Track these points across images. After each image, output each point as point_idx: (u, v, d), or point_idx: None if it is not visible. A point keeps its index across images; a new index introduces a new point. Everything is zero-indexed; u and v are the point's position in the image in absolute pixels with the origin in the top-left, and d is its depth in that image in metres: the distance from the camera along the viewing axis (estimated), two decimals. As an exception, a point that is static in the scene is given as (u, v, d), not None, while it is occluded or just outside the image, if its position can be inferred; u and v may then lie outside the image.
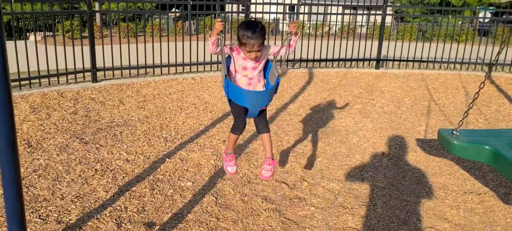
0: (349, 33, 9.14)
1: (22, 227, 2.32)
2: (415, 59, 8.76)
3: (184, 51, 7.31)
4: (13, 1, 5.38)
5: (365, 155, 4.56)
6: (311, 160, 4.38)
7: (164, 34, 13.43)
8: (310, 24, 9.55)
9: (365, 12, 9.58)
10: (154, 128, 4.96)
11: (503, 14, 16.99)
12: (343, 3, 8.70)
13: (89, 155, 4.12)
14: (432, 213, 3.45)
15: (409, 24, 11.24)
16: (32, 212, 3.09)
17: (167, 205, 3.36)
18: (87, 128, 4.80)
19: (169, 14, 10.32)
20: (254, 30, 2.72)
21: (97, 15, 15.90)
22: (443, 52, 8.64)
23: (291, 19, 3.25)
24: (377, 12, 9.39)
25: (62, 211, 3.14)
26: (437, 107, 6.47)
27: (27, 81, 5.95)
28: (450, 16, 9.22)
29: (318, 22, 10.79)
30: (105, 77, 6.77)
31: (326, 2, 8.87)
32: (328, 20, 9.11)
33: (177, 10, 16.73)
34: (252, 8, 8.11)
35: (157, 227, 3.06)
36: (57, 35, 11.58)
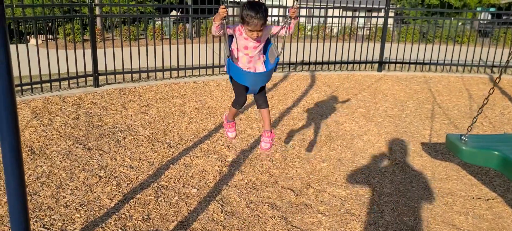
0: (351, 35, 9.10)
1: (27, 238, 2.28)
2: (418, 61, 8.73)
3: (186, 54, 7.27)
4: (14, 6, 5.35)
5: (370, 160, 4.53)
6: (317, 165, 4.34)
7: (165, 37, 13.39)
8: (312, 26, 9.51)
9: (365, 14, 9.56)
10: (157, 133, 4.92)
11: (502, 16, 16.98)
12: (343, 5, 8.68)
13: (93, 161, 4.09)
14: (441, 220, 3.41)
15: (410, 26, 11.24)
16: (36, 221, 3.05)
17: (172, 213, 3.32)
18: (90, 134, 4.76)
19: (170, 15, 10.32)
20: (257, 10, 2.86)
21: (98, 18, 15.87)
22: (446, 54, 8.61)
23: (293, 4, 3.31)
24: (378, 15, 9.37)
25: (67, 220, 3.10)
26: (441, 110, 6.43)
27: (29, 86, 5.91)
28: (452, 19, 9.19)
29: (318, 25, 10.75)
30: (106, 81, 6.73)
31: (327, 4, 8.84)
32: (331, 22, 9.08)
33: (176, 12, 16.71)
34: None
35: (163, 236, 3.02)
36: (57, 38, 11.55)
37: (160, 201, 3.47)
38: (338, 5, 8.63)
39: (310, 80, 7.80)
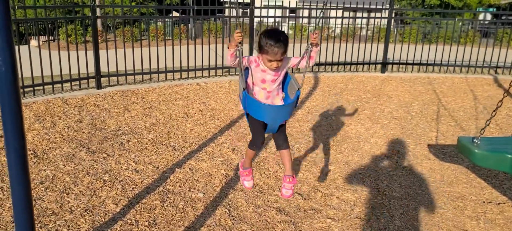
0: (354, 36, 9.04)
1: (33, 245, 2.22)
2: (421, 62, 8.67)
3: (189, 55, 7.21)
4: (16, 8, 5.29)
5: (378, 163, 4.47)
6: (324, 169, 4.28)
7: (167, 38, 13.34)
8: (315, 26, 9.45)
9: (366, 14, 9.51)
10: (161, 136, 4.86)
11: (502, 16, 16.94)
12: (346, 6, 8.62)
13: (97, 165, 4.02)
14: (452, 225, 3.35)
15: (412, 26, 11.19)
16: (41, 227, 2.99)
17: (179, 218, 3.26)
18: (93, 137, 4.70)
19: (172, 16, 10.25)
20: (277, 38, 2.63)
21: (98, 19, 15.84)
22: (450, 55, 8.55)
23: (313, 30, 3.13)
24: (378, 15, 9.32)
25: (72, 226, 3.04)
26: (447, 112, 6.38)
27: (31, 88, 5.85)
28: (456, 19, 9.14)
29: (319, 26, 10.69)
30: (109, 83, 6.67)
31: (327, 5, 8.79)
32: (334, 23, 9.02)
33: (177, 13, 16.66)
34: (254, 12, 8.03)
35: (170, 242, 2.96)
36: (59, 39, 11.44)
37: (166, 205, 3.41)
38: (341, 6, 8.57)
39: (313, 81, 7.74)
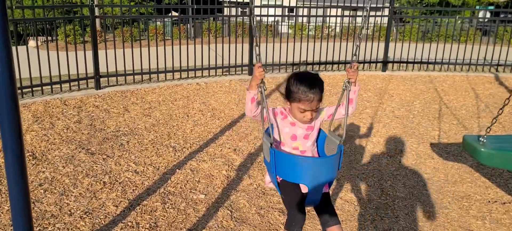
0: (354, 35, 8.99)
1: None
2: (422, 61, 8.62)
3: (188, 55, 7.16)
4: (14, 7, 5.23)
5: (381, 162, 4.42)
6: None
7: (167, 38, 13.29)
8: (314, 25, 9.40)
9: (366, 13, 9.46)
10: (161, 137, 4.80)
11: (502, 14, 16.91)
12: (346, 5, 8.58)
13: (96, 166, 3.97)
14: (457, 225, 3.30)
15: (411, 24, 11.16)
16: (39, 230, 2.94)
17: (180, 220, 3.21)
18: (93, 138, 4.64)
19: (171, 16, 10.19)
20: (312, 82, 2.14)
21: (97, 19, 15.78)
22: (450, 53, 8.50)
23: (350, 64, 2.31)
24: (377, 13, 9.27)
25: (71, 229, 2.98)
26: (449, 110, 6.33)
27: (29, 89, 5.79)
28: (457, 17, 9.10)
29: (318, 24, 10.63)
30: (108, 83, 6.61)
31: (325, 4, 8.74)
32: (335, 21, 8.97)
33: (176, 13, 16.60)
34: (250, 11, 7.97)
35: (172, 244, 2.91)
36: (57, 39, 11.35)
37: (167, 207, 3.36)
38: (341, 4, 8.53)
39: (314, 80, 7.69)
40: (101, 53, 6.45)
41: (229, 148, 4.59)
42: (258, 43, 2.19)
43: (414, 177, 4.10)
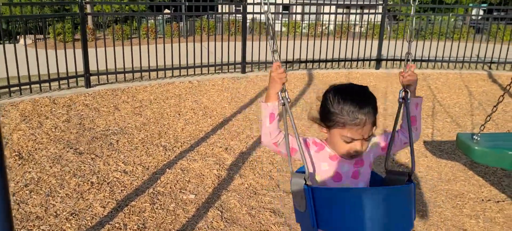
0: (348, 33, 8.95)
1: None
2: (416, 58, 8.58)
3: (181, 53, 7.08)
4: (1, 4, 5.13)
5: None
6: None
7: (159, 36, 13.21)
8: (308, 23, 9.35)
9: (359, 10, 9.43)
10: (152, 136, 4.72)
11: (495, 11, 16.95)
12: (336, 2, 8.54)
13: (84, 166, 3.89)
14: (451, 224, 3.26)
15: (405, 22, 11.15)
16: (23, 233, 2.86)
17: (170, 221, 3.14)
18: (81, 137, 4.55)
19: (163, 13, 10.09)
20: (362, 98, 1.52)
21: (89, 17, 15.63)
22: (444, 50, 8.48)
23: (405, 63, 1.72)
24: (371, 11, 9.23)
25: (57, 230, 2.91)
26: (442, 108, 6.30)
27: (17, 88, 5.68)
28: (450, 14, 9.08)
29: (311, 22, 10.57)
30: (98, 82, 6.52)
31: (319, 2, 8.68)
32: (328, 19, 8.92)
33: (169, 10, 16.47)
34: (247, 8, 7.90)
35: (160, 246, 2.84)
36: (48, 38, 11.20)
37: (156, 208, 3.29)
38: (335, 2, 8.48)
39: (307, 78, 7.64)
40: (91, 51, 6.36)
41: (221, 147, 4.52)
42: (273, 35, 1.57)
43: (407, 175, 4.05)
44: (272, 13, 1.58)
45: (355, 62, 8.57)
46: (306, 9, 8.76)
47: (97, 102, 5.74)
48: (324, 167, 1.62)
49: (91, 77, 6.35)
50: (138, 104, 5.76)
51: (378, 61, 8.45)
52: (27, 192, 3.37)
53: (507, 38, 9.75)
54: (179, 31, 8.73)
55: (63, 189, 3.46)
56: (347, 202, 1.41)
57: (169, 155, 4.25)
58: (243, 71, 7.64)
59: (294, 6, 8.53)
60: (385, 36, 9.14)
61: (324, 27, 9.46)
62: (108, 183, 3.61)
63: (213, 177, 3.85)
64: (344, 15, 8.88)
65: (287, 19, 12.75)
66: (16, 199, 3.24)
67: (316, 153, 1.64)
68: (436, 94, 7.03)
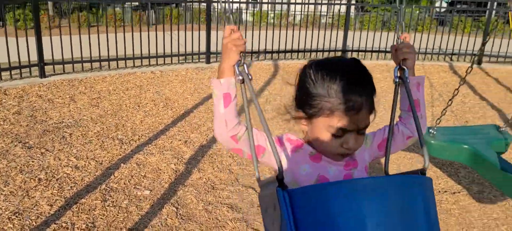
0: (314, 23, 8.93)
1: None
2: (380, 49, 8.65)
3: (142, 43, 6.85)
4: None
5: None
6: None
7: (126, 24, 12.85)
8: (274, 13, 9.28)
9: (328, 1, 9.42)
10: (108, 128, 4.54)
11: (457, 4, 17.38)
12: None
13: (33, 161, 3.68)
14: (408, 217, 3.27)
15: (371, 14, 11.27)
16: (-41, 235, 2.67)
17: (121, 219, 3.00)
18: (32, 130, 4.32)
19: (127, 3, 9.75)
20: (355, 74, 1.18)
21: (50, 3, 14.99)
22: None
23: (397, 34, 1.35)
24: (342, 2, 9.24)
25: (-3, 232, 2.73)
26: (404, 99, 6.37)
27: (-36, 78, 5.35)
28: (413, 6, 9.19)
29: (281, 12, 10.49)
30: (54, 72, 6.23)
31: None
32: (293, 10, 8.87)
33: (135, -2, 15.98)
34: (214, -3, 7.73)
35: (109, 246, 2.71)
36: (7, 25, 10.54)
37: (108, 205, 3.14)
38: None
39: (273, 69, 7.58)
40: (46, 39, 6.05)
41: (180, 140, 4.39)
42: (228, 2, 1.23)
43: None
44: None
45: (321, 53, 8.55)
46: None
47: (51, 93, 5.48)
48: (303, 171, 1.21)
49: (46, 67, 6.06)
50: (95, 96, 5.53)
51: (344, 52, 8.47)
52: (-33, 190, 3.15)
53: (467, 31, 9.98)
54: (148, 19, 8.47)
55: (8, 186, 3.26)
56: (344, 201, 0.94)
57: (125, 149, 4.09)
58: (208, 62, 7.49)
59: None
60: (351, 27, 9.18)
61: (291, 18, 9.40)
62: (57, 179, 3.43)
63: (170, 171, 3.72)
64: (312, 6, 8.84)
65: (254, 9, 12.62)
66: (-46, 198, 3.03)
67: (293, 153, 1.23)
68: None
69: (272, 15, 9.16)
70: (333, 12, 8.75)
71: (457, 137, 3.16)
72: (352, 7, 9.93)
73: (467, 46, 8.59)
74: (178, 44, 7.31)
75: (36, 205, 3.07)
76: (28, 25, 9.14)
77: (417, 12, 10.98)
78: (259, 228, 3.01)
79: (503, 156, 3.08)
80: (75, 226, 2.87)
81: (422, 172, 1.14)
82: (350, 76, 1.15)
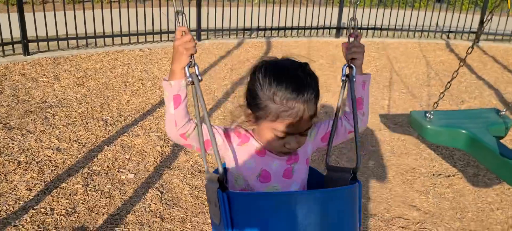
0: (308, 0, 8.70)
1: None
2: (376, 27, 8.47)
3: (130, 19, 6.63)
4: None
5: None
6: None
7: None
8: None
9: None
10: (93, 109, 4.38)
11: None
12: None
13: (13, 143, 3.54)
14: (400, 201, 3.17)
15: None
16: None
17: (103, 204, 2.88)
18: (13, 110, 4.16)
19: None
20: (300, 81, 1.22)
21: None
22: (404, 19, 8.40)
23: (349, 31, 1.37)
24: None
25: (-30, 219, 2.60)
26: (399, 78, 6.24)
27: None
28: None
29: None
30: (38, 49, 6.02)
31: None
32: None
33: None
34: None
35: (88, 234, 2.60)
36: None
37: (90, 190, 3.02)
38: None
39: (266, 47, 7.39)
40: (30, 15, 5.82)
41: (167, 121, 4.24)
42: None
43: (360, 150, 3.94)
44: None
45: (315, 31, 8.36)
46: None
47: (35, 71, 5.29)
48: (249, 165, 1.32)
49: (30, 45, 5.85)
50: (81, 74, 5.35)
51: (338, 29, 8.28)
52: None
53: (465, 8, 9.79)
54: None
55: (-15, 170, 3.12)
56: (272, 210, 1.12)
57: (109, 130, 3.94)
58: (198, 39, 7.28)
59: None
60: (346, 3, 8.96)
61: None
62: (37, 162, 3.29)
63: (156, 154, 3.59)
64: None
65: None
66: None
67: (239, 147, 1.33)
68: (394, 64, 6.96)
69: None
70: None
71: (454, 121, 3.03)
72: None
73: (464, 23, 8.42)
74: (167, 21, 7.09)
75: (14, 189, 2.94)
76: (10, 0, 8.83)
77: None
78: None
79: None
80: (55, 211, 2.75)
81: (354, 171, 1.30)
82: (295, 83, 1.20)
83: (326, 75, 6.13)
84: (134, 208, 2.88)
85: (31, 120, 4.00)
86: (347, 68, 1.36)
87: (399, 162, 3.75)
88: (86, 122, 4.06)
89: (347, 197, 1.22)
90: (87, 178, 3.15)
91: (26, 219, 2.66)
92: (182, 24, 1.21)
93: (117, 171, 3.29)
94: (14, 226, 2.59)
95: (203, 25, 7.30)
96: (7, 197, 2.85)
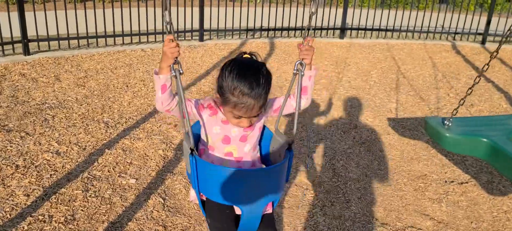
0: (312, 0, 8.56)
1: None
2: (381, 28, 8.35)
3: (132, 19, 6.52)
4: None
5: (334, 139, 4.11)
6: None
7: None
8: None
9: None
10: (94, 110, 4.27)
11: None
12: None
13: (11, 146, 3.43)
14: (412, 209, 3.05)
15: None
16: None
17: (103, 211, 2.77)
18: (12, 112, 4.05)
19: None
20: (254, 80, 1.57)
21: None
22: (409, 20, 8.28)
23: (303, 38, 1.73)
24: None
25: (-35, 227, 2.49)
26: (406, 80, 6.11)
27: None
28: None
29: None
30: (39, 49, 5.91)
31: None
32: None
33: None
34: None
35: (88, 243, 2.48)
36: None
37: (90, 196, 2.91)
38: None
39: (269, 47, 7.28)
40: (30, 14, 5.71)
41: (170, 123, 4.13)
42: (168, 7, 1.51)
43: (368, 155, 3.82)
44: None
45: (319, 31, 8.24)
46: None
47: (36, 71, 5.19)
48: (215, 130, 1.76)
49: (31, 44, 5.75)
50: (82, 75, 5.24)
51: (343, 30, 8.16)
52: None
53: (471, 9, 9.67)
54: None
55: (-19, 174, 3.01)
56: (219, 176, 1.58)
57: (110, 133, 3.83)
58: (201, 39, 7.17)
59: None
60: (350, 4, 8.84)
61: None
62: (36, 167, 3.18)
63: (158, 158, 3.48)
64: (309, -19, 8.49)
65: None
66: None
67: (209, 117, 1.76)
68: (400, 65, 6.84)
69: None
70: (332, -12, 8.40)
71: (474, 129, 2.89)
72: (352, -16, 9.56)
73: (471, 24, 8.29)
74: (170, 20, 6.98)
75: (12, 195, 2.83)
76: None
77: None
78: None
79: None
80: (53, 219, 2.64)
81: (290, 144, 1.75)
82: (250, 83, 1.57)
83: (330, 77, 6.01)
84: (135, 215, 2.76)
85: (30, 121, 3.89)
86: (299, 64, 1.69)
87: (409, 168, 3.63)
88: (86, 124, 3.95)
89: (280, 169, 1.67)
90: (87, 183, 3.04)
91: (23, 227, 2.55)
92: (170, 33, 1.53)
93: (118, 176, 3.17)
94: (11, 234, 2.48)
95: (206, 25, 7.19)
96: (4, 203, 2.74)
